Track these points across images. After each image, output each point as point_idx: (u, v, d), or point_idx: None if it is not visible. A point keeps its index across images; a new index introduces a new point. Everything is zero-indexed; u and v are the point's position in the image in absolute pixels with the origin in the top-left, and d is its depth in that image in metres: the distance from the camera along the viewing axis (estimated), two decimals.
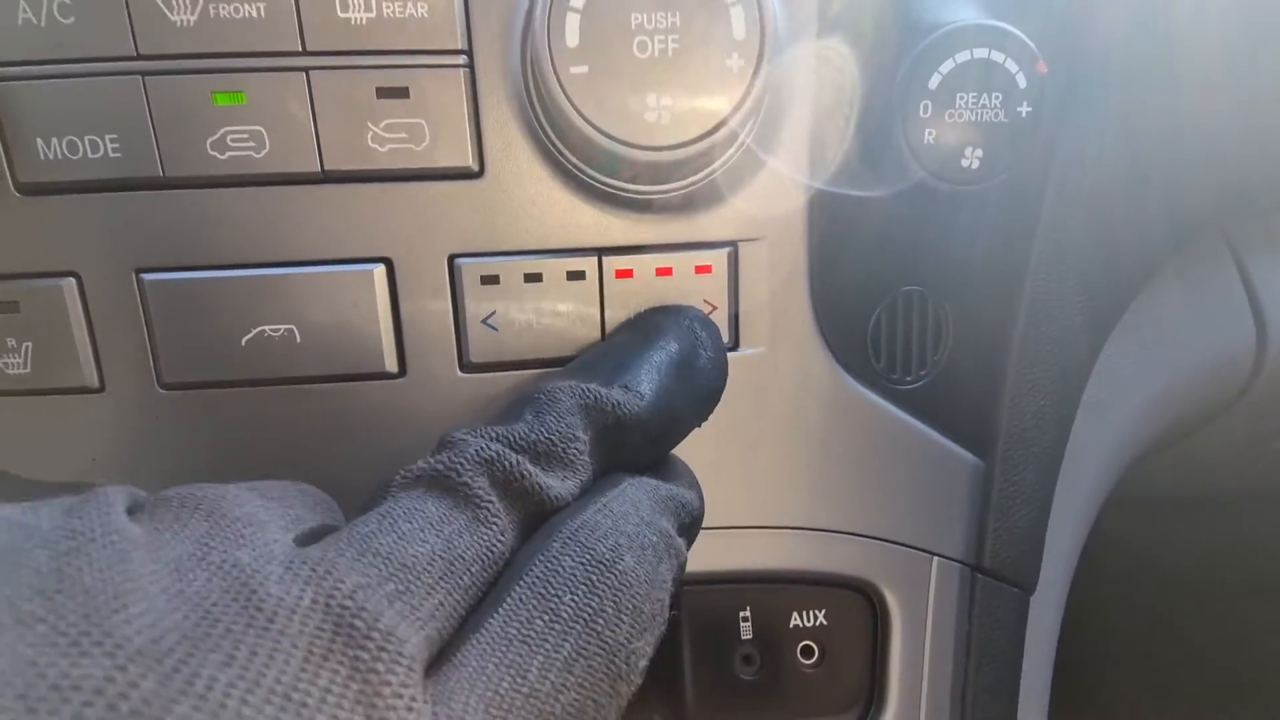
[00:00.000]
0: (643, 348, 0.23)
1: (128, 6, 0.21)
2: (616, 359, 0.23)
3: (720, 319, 0.26)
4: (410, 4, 0.22)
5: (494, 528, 0.17)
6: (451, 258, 0.24)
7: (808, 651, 0.31)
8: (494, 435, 0.19)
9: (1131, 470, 0.39)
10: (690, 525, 0.22)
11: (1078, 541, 0.36)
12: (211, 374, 0.24)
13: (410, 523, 0.16)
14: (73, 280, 0.23)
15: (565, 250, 0.24)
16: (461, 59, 0.22)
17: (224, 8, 0.21)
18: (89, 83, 0.21)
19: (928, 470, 0.30)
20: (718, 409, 0.27)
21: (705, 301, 0.26)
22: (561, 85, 0.20)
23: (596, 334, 0.25)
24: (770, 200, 0.26)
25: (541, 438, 0.19)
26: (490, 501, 0.17)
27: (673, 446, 0.24)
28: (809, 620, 0.31)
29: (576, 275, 0.24)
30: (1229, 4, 0.30)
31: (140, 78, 0.21)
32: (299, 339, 0.24)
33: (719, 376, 0.24)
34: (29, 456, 0.25)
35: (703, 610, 0.31)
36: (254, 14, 0.21)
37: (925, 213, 0.28)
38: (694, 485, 0.24)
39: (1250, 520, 0.57)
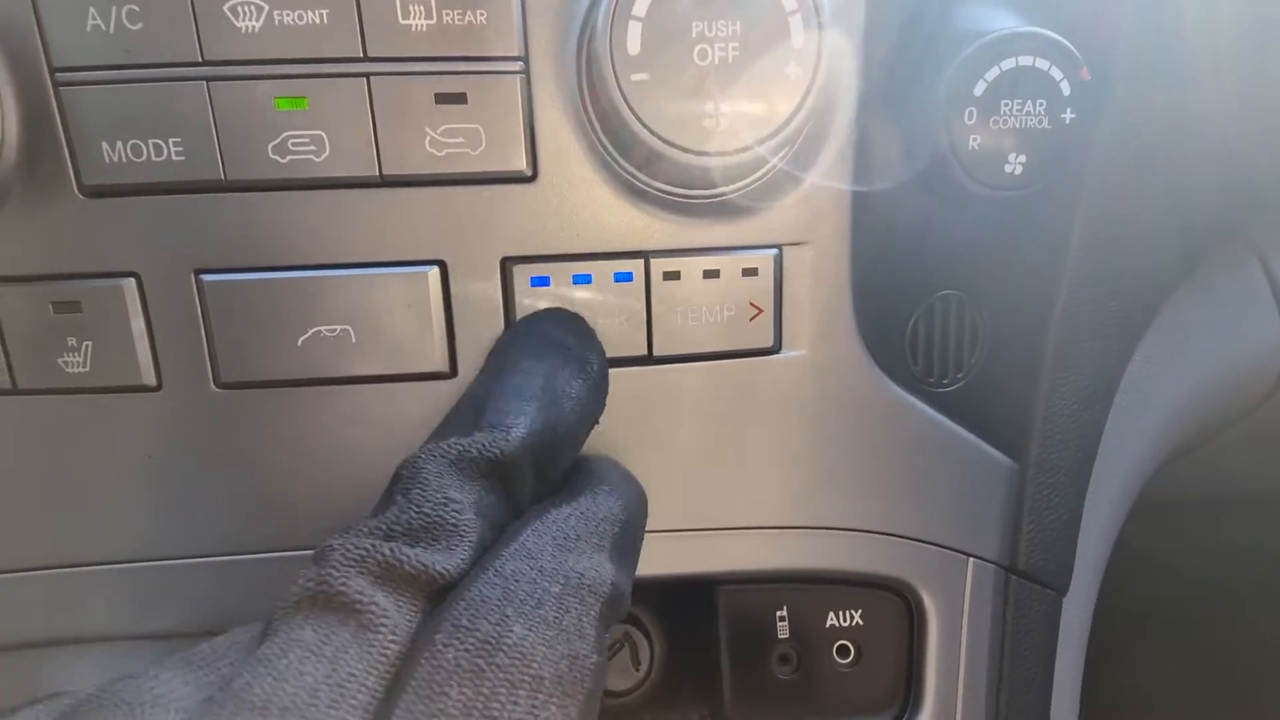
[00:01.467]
0: (498, 377, 0.22)
1: (194, 13, 0.21)
2: (476, 399, 0.22)
3: (765, 321, 0.26)
4: (469, 12, 0.22)
5: (382, 631, 0.16)
6: (504, 260, 0.24)
7: (844, 651, 0.31)
8: (363, 531, 0.18)
9: (1158, 472, 0.39)
10: (623, 533, 0.21)
11: (1108, 543, 0.36)
12: (267, 373, 0.24)
13: (287, 657, 0.16)
14: (133, 280, 0.24)
15: (614, 253, 0.25)
16: (518, 65, 0.23)
17: (288, 15, 0.21)
18: (154, 87, 0.22)
19: (963, 472, 0.31)
20: (758, 408, 0.27)
21: (751, 304, 0.26)
22: (622, 92, 0.20)
23: (643, 335, 0.26)
24: (815, 205, 0.26)
25: (413, 515, 0.18)
26: (371, 603, 0.17)
27: (574, 455, 0.23)
28: (845, 620, 0.31)
29: (624, 277, 0.25)
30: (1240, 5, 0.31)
31: (205, 83, 0.22)
32: (354, 339, 0.24)
33: (590, 365, 0.23)
34: (86, 454, 0.25)
35: (741, 609, 0.31)
36: (317, 20, 0.22)
37: (964, 218, 0.28)
38: (619, 485, 0.22)
39: (1273, 523, 0.57)
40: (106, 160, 0.22)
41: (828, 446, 0.28)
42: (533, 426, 0.20)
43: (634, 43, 0.20)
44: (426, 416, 0.26)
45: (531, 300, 0.25)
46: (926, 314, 0.30)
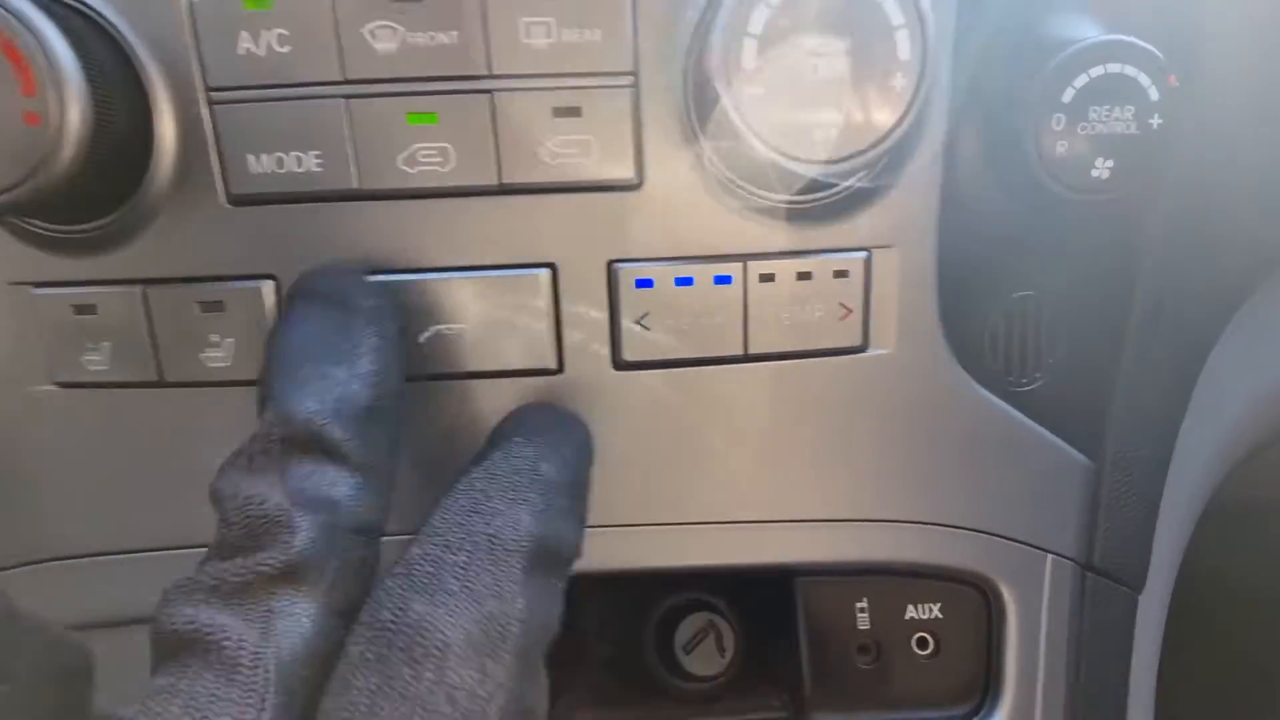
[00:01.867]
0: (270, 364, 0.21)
1: (338, 37, 0.23)
2: (260, 400, 0.21)
3: (854, 321, 0.27)
4: (586, 30, 0.23)
5: (228, 650, 0.16)
6: (610, 262, 0.26)
7: (923, 643, 0.32)
8: (196, 571, 0.18)
9: (1234, 471, 0.39)
10: (547, 479, 0.21)
11: (1183, 541, 0.37)
12: None
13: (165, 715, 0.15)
14: (271, 282, 0.26)
15: (713, 256, 0.26)
16: (629, 80, 0.24)
17: (421, 36, 0.23)
18: (298, 104, 0.24)
19: (1041, 470, 0.31)
20: (843, 404, 0.28)
21: (841, 304, 0.27)
22: (736, 105, 0.21)
23: (739, 335, 0.27)
24: (904, 209, 0.27)
25: (227, 532, 0.18)
26: (211, 627, 0.16)
27: (394, 398, 0.22)
28: (924, 613, 0.32)
29: (724, 280, 0.26)
30: None
31: (344, 100, 0.24)
32: (470, 337, 0.26)
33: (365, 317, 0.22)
34: (221, 445, 0.27)
35: (821, 600, 0.32)
36: (447, 41, 0.23)
37: (1045, 220, 0.29)
38: (540, 430, 0.22)
39: None
40: (252, 171, 0.24)
41: (910, 442, 0.29)
42: (315, 394, 0.20)
43: (749, 59, 0.21)
44: None
45: (636, 298, 0.26)
46: (1006, 314, 0.30)
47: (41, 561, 0.28)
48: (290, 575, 0.18)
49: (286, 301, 0.24)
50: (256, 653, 0.17)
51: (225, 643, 0.17)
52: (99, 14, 0.23)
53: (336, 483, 0.20)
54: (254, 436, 0.20)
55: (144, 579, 0.29)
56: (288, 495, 0.19)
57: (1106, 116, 0.26)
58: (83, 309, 0.26)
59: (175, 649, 0.17)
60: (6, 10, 0.21)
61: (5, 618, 0.18)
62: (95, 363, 0.27)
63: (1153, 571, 0.34)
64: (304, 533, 0.18)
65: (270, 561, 0.18)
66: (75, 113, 0.21)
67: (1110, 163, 0.26)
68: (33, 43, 0.21)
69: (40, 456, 0.28)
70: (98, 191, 0.24)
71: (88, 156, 0.22)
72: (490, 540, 0.19)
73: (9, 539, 0.29)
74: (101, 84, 0.22)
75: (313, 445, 0.20)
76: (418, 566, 0.19)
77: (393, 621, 0.18)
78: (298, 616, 0.18)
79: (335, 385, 0.20)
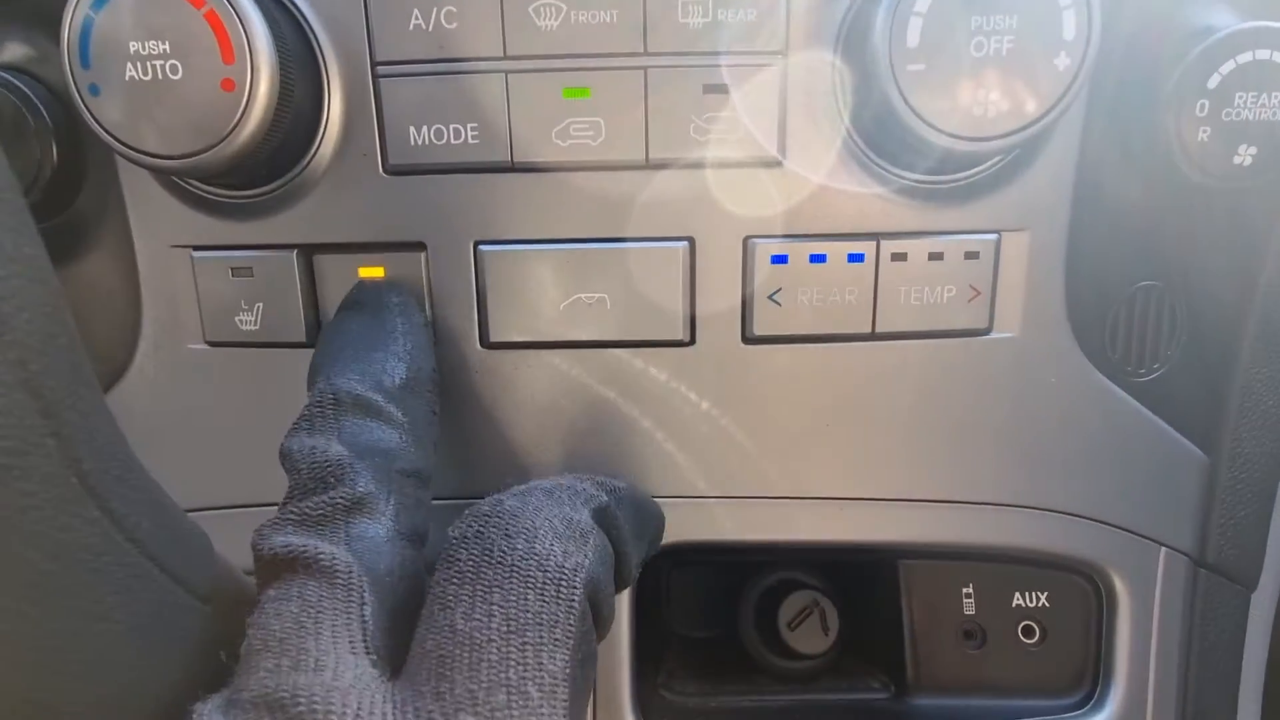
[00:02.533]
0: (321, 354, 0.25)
1: (503, 14, 0.24)
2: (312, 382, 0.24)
3: (982, 303, 0.28)
4: (742, 10, 0.24)
5: (324, 560, 0.18)
6: (746, 238, 0.27)
7: (1029, 631, 0.32)
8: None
9: None
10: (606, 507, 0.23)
11: None
12: (529, 335, 0.27)
13: (279, 614, 0.17)
14: (421, 250, 0.27)
15: (848, 235, 0.27)
16: (779, 58, 0.25)
17: (582, 14, 0.24)
18: (460, 79, 0.25)
19: (1157, 462, 0.31)
20: (963, 385, 0.28)
21: (971, 286, 0.27)
22: (897, 81, 0.22)
23: (869, 313, 0.27)
24: (1036, 192, 0.27)
25: (299, 481, 0.21)
26: (306, 546, 0.19)
27: (420, 362, 0.25)
28: (1031, 601, 0.32)
29: (856, 258, 0.27)
30: None
31: (504, 75, 0.25)
32: (609, 306, 0.27)
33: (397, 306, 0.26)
34: None
35: (926, 582, 0.32)
36: (607, 19, 0.24)
37: (1178, 209, 0.29)
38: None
39: None
40: (412, 143, 0.26)
41: (1028, 427, 0.29)
42: (358, 371, 0.23)
43: (914, 36, 0.21)
44: (665, 379, 0.28)
45: (770, 273, 0.27)
46: (1128, 303, 0.30)
47: (193, 510, 0.30)
48: (359, 506, 0.21)
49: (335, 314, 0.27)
50: (349, 562, 0.19)
51: (320, 557, 0.19)
52: None
53: (384, 436, 0.23)
54: (309, 405, 0.23)
55: None
56: (345, 446, 0.22)
57: (1253, 103, 0.26)
58: (240, 270, 0.27)
59: (277, 570, 0.19)
60: None
61: (207, 550, 0.20)
62: (247, 323, 0.28)
63: (1266, 570, 0.33)
64: (363, 474, 0.21)
65: (342, 497, 0.20)
66: (265, 82, 0.23)
67: (1254, 149, 0.26)
68: (233, 14, 0.22)
69: (192, 411, 0.29)
70: (272, 159, 0.25)
71: (272, 125, 0.23)
72: (570, 489, 0.22)
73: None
74: (286, 57, 0.23)
75: (360, 409, 0.23)
76: (508, 490, 0.21)
77: (488, 511, 0.20)
78: (373, 537, 0.20)
79: (374, 364, 0.24)
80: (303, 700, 0.16)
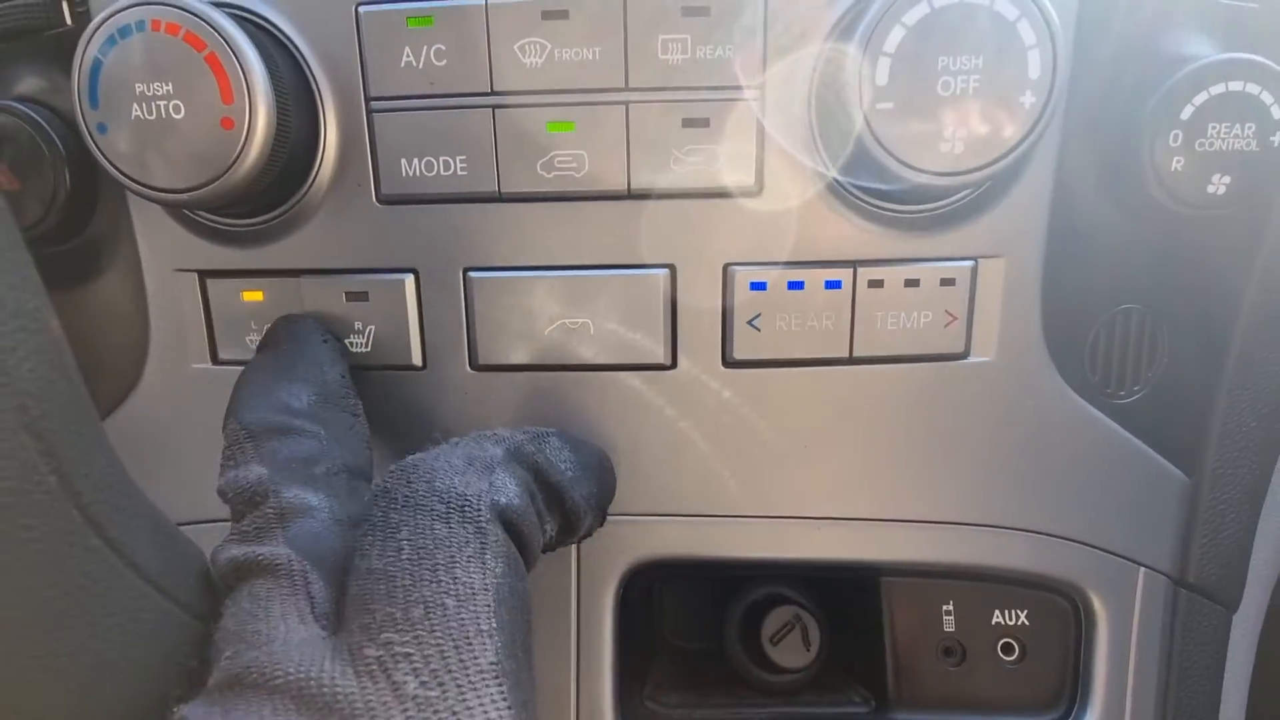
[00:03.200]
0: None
1: (490, 52, 0.25)
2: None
3: (958, 328, 0.28)
4: (720, 46, 0.25)
5: (279, 558, 0.20)
6: (726, 266, 0.27)
7: (1008, 649, 0.33)
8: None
9: None
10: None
11: (1279, 562, 0.36)
12: (516, 358, 0.28)
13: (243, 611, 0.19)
14: (412, 276, 0.28)
15: (825, 262, 0.27)
16: (756, 93, 0.25)
17: (566, 51, 0.25)
18: (449, 114, 0.26)
19: (1137, 483, 0.31)
20: (941, 408, 0.29)
21: (946, 312, 0.28)
22: (867, 119, 0.23)
23: (846, 338, 0.28)
24: (1012, 220, 0.28)
25: (237, 505, 0.23)
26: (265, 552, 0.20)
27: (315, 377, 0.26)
28: (1011, 619, 0.32)
29: (834, 285, 0.27)
30: None
31: (491, 110, 0.26)
32: (592, 331, 0.28)
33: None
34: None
35: (907, 599, 0.33)
36: (590, 56, 0.25)
37: (1153, 235, 0.29)
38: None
39: None
40: (403, 174, 0.27)
41: (1007, 449, 0.30)
42: (263, 404, 0.25)
43: (883, 75, 0.22)
44: (647, 402, 0.29)
45: (749, 300, 0.27)
46: (1108, 326, 0.31)
47: (194, 523, 0.31)
48: (290, 511, 0.22)
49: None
50: (288, 554, 0.21)
51: (260, 558, 0.21)
52: (280, 30, 0.26)
53: (300, 447, 0.24)
54: (225, 445, 0.24)
55: None
56: (265, 466, 0.23)
57: (1226, 134, 0.26)
58: (249, 295, 0.29)
59: (230, 583, 0.21)
60: (211, 26, 0.23)
61: (204, 569, 0.21)
62: (255, 343, 0.29)
63: (1248, 591, 0.33)
64: (285, 484, 0.22)
65: (271, 508, 0.22)
66: (263, 120, 0.24)
67: (1227, 179, 0.26)
68: (232, 56, 0.23)
69: (196, 428, 0.31)
70: (271, 190, 0.26)
71: (270, 159, 0.24)
72: (479, 435, 0.23)
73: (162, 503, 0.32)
74: (283, 95, 0.25)
75: (271, 433, 0.24)
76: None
77: (394, 468, 0.22)
78: (310, 531, 0.22)
79: (277, 394, 0.25)
80: (254, 669, 0.17)
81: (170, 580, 0.19)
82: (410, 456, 0.22)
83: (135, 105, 0.24)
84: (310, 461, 0.24)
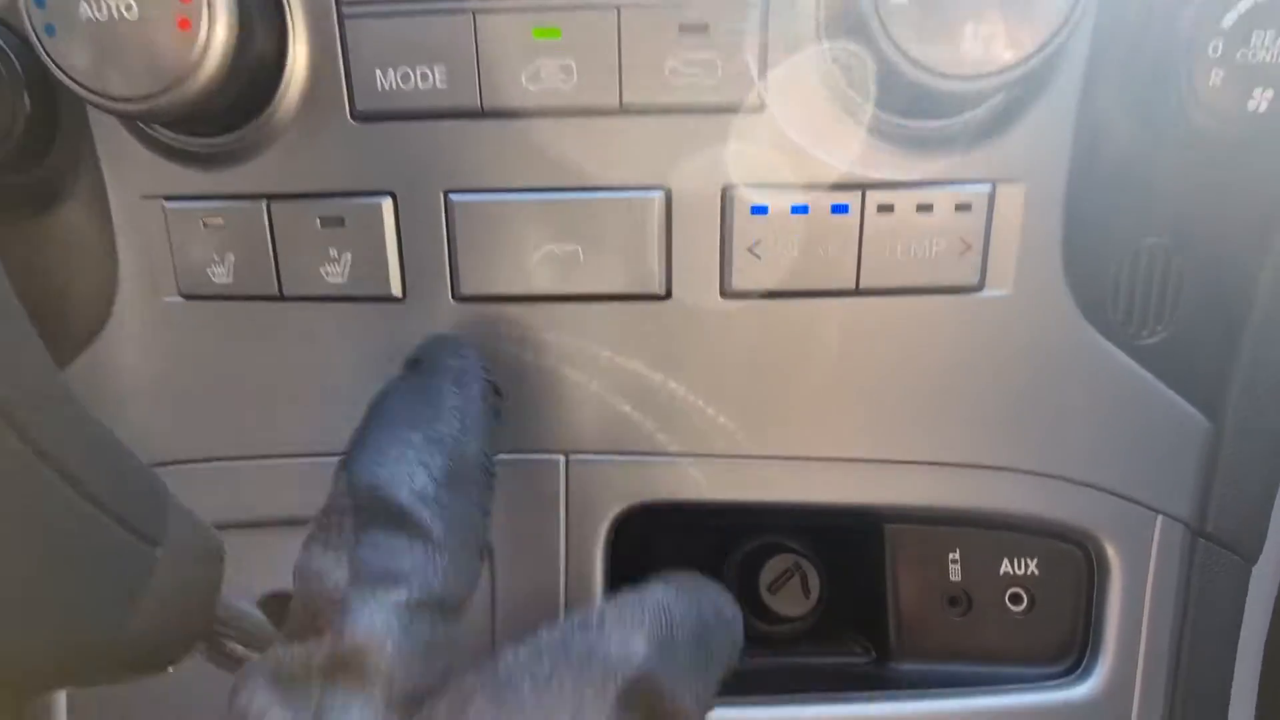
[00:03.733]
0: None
1: None
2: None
3: (973, 258, 0.26)
4: None
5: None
6: (725, 188, 0.25)
7: (1016, 599, 0.31)
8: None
9: None
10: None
11: None
12: (501, 288, 0.27)
13: None
14: (390, 199, 0.26)
15: (832, 184, 0.25)
16: None
17: None
18: (427, 19, 0.24)
19: (1157, 427, 0.30)
20: (954, 344, 0.27)
21: (961, 240, 0.26)
22: (881, 19, 0.21)
23: (853, 268, 0.26)
24: (1033, 141, 0.26)
25: (300, 612, 0.18)
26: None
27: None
28: (1020, 568, 0.31)
29: (840, 209, 0.25)
30: None
31: (472, 14, 0.24)
32: (581, 258, 0.26)
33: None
34: (335, 359, 0.28)
35: (911, 548, 0.31)
36: None
37: (1186, 160, 0.27)
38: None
39: None
40: (379, 88, 0.25)
41: (1020, 388, 0.28)
42: (388, 461, 0.19)
43: None
44: (640, 334, 0.27)
45: (749, 225, 0.26)
46: (1131, 262, 0.29)
47: (164, 464, 0.30)
48: (343, 665, 0.17)
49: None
50: None
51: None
52: None
53: (404, 554, 0.19)
54: (326, 504, 0.20)
55: (257, 485, 0.30)
56: (351, 571, 0.18)
57: (1271, 43, 0.24)
58: (210, 222, 0.27)
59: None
60: None
61: (160, 494, 0.20)
62: (220, 275, 0.28)
63: (1269, 542, 0.32)
64: (356, 614, 0.17)
65: (324, 654, 0.17)
66: (223, 20, 0.22)
67: (1270, 93, 0.24)
68: None
69: (169, 365, 0.29)
70: (233, 105, 0.24)
71: (229, 70, 0.23)
72: (586, 657, 0.17)
73: (137, 442, 0.31)
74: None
75: (382, 514, 0.19)
76: (501, 665, 0.17)
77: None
78: (347, 712, 0.17)
79: (409, 449, 0.20)
80: None
81: (123, 506, 0.17)
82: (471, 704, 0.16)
83: (84, 3, 0.22)
84: (400, 584, 0.18)
